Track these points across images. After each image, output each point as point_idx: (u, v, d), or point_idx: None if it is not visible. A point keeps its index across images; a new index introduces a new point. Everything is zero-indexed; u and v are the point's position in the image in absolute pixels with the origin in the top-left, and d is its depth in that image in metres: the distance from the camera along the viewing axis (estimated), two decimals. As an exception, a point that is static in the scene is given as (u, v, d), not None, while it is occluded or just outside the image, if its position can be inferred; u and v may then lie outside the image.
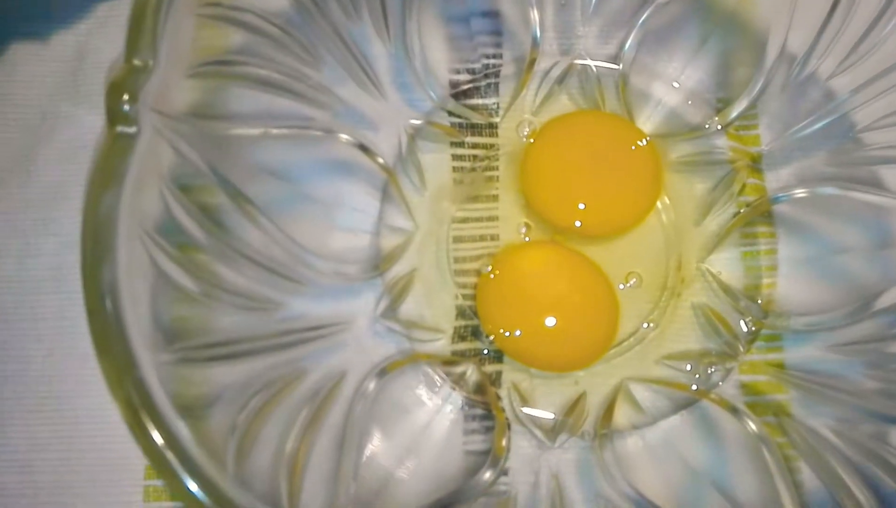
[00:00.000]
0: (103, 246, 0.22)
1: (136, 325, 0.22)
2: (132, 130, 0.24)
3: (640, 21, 0.37)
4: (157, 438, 0.21)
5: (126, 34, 0.24)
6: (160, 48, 0.24)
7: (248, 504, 0.21)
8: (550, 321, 0.33)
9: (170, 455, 0.21)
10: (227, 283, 0.27)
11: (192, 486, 0.21)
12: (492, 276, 0.35)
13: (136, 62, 0.24)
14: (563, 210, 0.35)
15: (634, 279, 0.36)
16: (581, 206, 0.35)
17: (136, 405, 0.21)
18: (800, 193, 0.36)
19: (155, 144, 0.24)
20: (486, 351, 0.35)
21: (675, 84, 0.38)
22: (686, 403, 0.34)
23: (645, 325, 0.35)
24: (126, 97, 0.23)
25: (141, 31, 0.24)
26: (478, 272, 0.36)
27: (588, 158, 0.36)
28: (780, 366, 0.35)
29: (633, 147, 0.36)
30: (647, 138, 0.36)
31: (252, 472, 0.24)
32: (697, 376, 0.34)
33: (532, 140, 0.37)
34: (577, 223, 0.35)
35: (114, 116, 0.23)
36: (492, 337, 0.34)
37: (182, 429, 0.21)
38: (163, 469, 0.21)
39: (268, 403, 0.26)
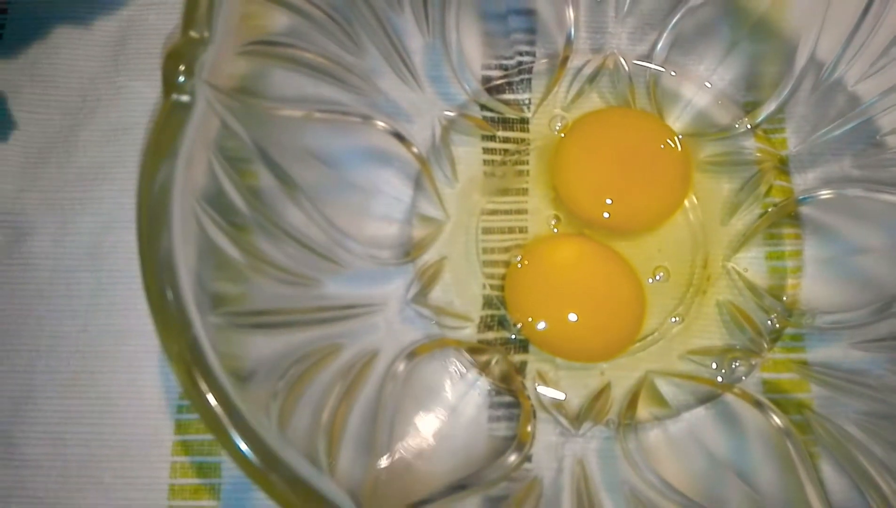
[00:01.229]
0: (161, 213, 0.23)
1: (189, 288, 0.23)
2: (187, 99, 0.24)
3: (672, 23, 0.37)
4: (209, 395, 0.21)
5: (183, 5, 0.24)
6: (216, 21, 0.25)
7: (294, 459, 0.22)
8: (578, 311, 0.34)
9: (221, 413, 0.21)
10: (269, 257, 0.28)
11: (242, 444, 0.21)
12: (521, 265, 0.35)
13: (193, 34, 0.24)
14: (593, 204, 0.36)
15: (661, 274, 0.36)
16: (610, 200, 0.35)
17: (189, 363, 0.22)
18: (825, 194, 0.36)
19: (207, 117, 0.25)
20: (513, 337, 0.35)
21: (706, 84, 0.38)
22: (709, 397, 0.34)
23: (671, 320, 0.36)
24: (182, 68, 0.24)
25: (198, 3, 0.24)
26: (506, 264, 0.36)
27: (619, 153, 0.36)
28: (804, 363, 0.35)
29: (664, 145, 0.36)
30: (679, 137, 0.36)
31: (292, 437, 0.24)
32: (723, 370, 0.35)
33: (563, 134, 0.38)
34: (606, 215, 0.35)
35: (170, 85, 0.24)
36: (519, 325, 0.35)
37: (231, 388, 0.22)
38: (214, 427, 0.21)
39: (305, 373, 0.27)
